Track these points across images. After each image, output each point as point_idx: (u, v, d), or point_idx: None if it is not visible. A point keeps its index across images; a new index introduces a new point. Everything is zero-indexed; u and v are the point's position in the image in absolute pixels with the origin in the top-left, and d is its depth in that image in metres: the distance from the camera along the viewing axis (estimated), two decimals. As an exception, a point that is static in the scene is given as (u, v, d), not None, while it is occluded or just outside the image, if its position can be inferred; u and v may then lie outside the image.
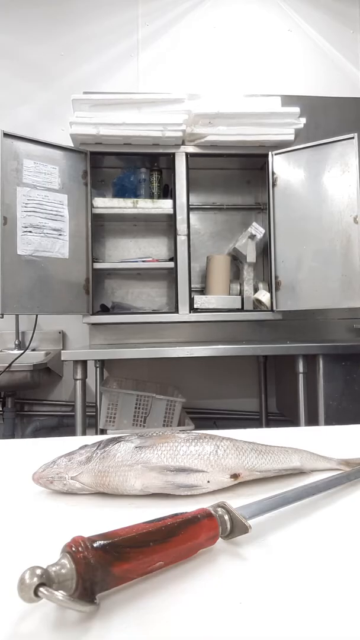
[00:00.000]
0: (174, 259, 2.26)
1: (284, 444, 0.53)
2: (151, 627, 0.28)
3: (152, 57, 2.70)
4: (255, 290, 2.35)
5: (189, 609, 0.29)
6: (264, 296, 2.26)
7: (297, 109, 2.17)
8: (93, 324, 2.38)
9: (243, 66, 2.72)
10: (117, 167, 2.45)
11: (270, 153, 2.20)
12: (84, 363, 1.92)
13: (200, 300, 2.25)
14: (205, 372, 2.54)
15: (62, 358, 1.90)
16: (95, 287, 2.23)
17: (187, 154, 2.24)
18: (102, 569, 0.29)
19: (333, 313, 2.50)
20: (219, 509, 0.37)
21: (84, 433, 1.92)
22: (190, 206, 2.27)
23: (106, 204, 2.22)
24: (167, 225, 2.46)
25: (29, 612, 0.29)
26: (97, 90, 2.45)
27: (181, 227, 2.22)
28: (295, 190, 2.14)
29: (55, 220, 2.03)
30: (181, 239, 2.22)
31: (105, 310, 2.39)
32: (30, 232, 1.94)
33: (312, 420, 1.93)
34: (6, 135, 1.90)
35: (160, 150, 2.22)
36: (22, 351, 2.27)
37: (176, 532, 0.33)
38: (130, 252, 2.54)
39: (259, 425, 2.55)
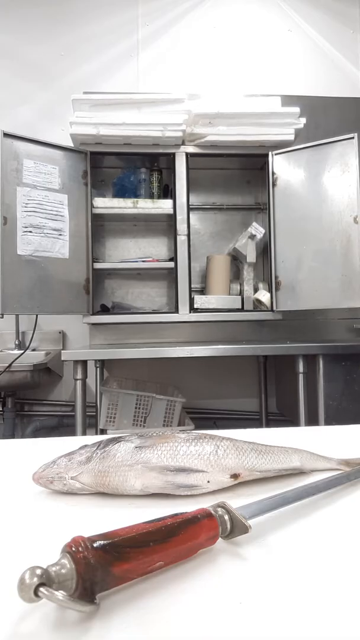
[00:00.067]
0: (174, 259, 2.26)
1: (284, 444, 0.53)
2: (151, 627, 0.28)
3: (152, 57, 2.70)
4: (255, 290, 2.35)
5: (189, 609, 0.29)
6: (264, 296, 2.26)
7: (297, 109, 2.17)
8: (93, 324, 2.38)
9: (243, 66, 2.72)
10: (117, 167, 2.45)
11: (270, 153, 2.20)
12: (84, 363, 1.92)
13: (200, 300, 2.25)
14: (205, 372, 2.54)
15: (62, 358, 1.90)
16: (95, 287, 2.23)
17: (187, 154, 2.24)
18: (102, 569, 0.29)
19: (333, 313, 2.50)
20: (219, 509, 0.37)
21: (84, 433, 1.92)
22: (190, 206, 2.27)
23: (106, 204, 2.22)
24: (167, 225, 2.46)
25: (29, 612, 0.29)
26: (97, 90, 2.45)
27: (181, 227, 2.22)
28: (295, 190, 2.14)
29: (56, 220, 2.03)
30: (181, 239, 2.22)
31: (105, 310, 2.39)
32: (30, 232, 1.94)
33: (312, 420, 1.93)
34: (6, 135, 1.90)
35: (160, 150, 2.22)
36: (22, 351, 2.27)
37: (176, 532, 0.33)
38: (130, 252, 2.54)
39: (259, 425, 2.55)
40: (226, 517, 0.36)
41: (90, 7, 2.68)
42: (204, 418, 2.50)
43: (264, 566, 0.34)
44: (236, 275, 2.49)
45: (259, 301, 2.30)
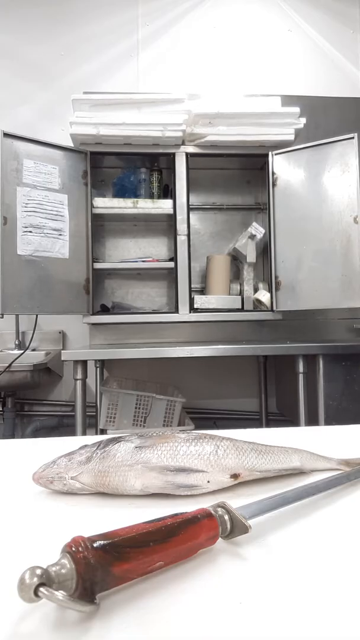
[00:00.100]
0: (174, 259, 2.26)
1: (284, 444, 0.53)
2: (151, 627, 0.28)
3: (152, 57, 2.70)
4: (255, 290, 2.35)
5: (189, 609, 0.29)
6: (264, 296, 2.26)
7: (297, 109, 2.17)
8: (93, 324, 2.38)
9: (243, 66, 2.72)
10: (117, 167, 2.45)
11: (270, 153, 2.20)
12: (84, 363, 1.92)
13: (200, 300, 2.25)
14: (205, 372, 2.54)
15: (62, 358, 1.90)
16: (95, 287, 2.23)
17: (187, 154, 2.24)
18: (102, 569, 0.29)
19: (333, 313, 2.50)
20: (219, 509, 0.37)
21: (84, 433, 1.92)
22: (190, 206, 2.27)
23: (106, 204, 2.22)
24: (167, 225, 2.46)
25: (29, 612, 0.29)
26: (97, 90, 2.45)
27: (181, 227, 2.22)
28: (295, 190, 2.14)
29: (56, 220, 2.03)
30: (181, 239, 2.22)
31: (105, 310, 2.39)
32: (30, 232, 1.94)
33: (312, 420, 1.93)
34: (6, 135, 1.90)
35: (160, 150, 2.22)
36: (22, 351, 2.27)
37: (176, 532, 0.33)
38: (130, 252, 2.54)
39: (259, 425, 2.55)
40: (226, 517, 0.36)
41: (90, 7, 2.68)
42: (204, 418, 2.50)
43: (264, 566, 0.34)
44: (236, 275, 2.49)
45: (259, 301, 2.30)
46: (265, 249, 2.38)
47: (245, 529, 0.36)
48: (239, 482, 0.48)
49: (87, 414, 1.98)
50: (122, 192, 2.38)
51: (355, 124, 2.50)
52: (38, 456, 0.53)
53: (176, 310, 2.21)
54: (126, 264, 2.39)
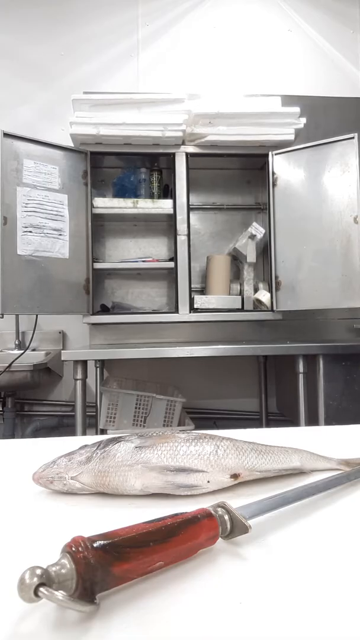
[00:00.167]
0: (174, 259, 2.26)
1: (284, 444, 0.53)
2: (151, 627, 0.28)
3: (152, 57, 2.70)
4: (256, 290, 2.35)
5: (189, 609, 0.29)
6: (264, 296, 2.26)
7: (297, 109, 2.17)
8: (93, 324, 2.38)
9: (243, 66, 2.72)
10: (117, 167, 2.45)
11: (270, 153, 2.20)
12: (84, 363, 1.92)
13: (200, 300, 2.25)
14: (205, 372, 2.54)
15: (62, 358, 1.90)
16: (95, 287, 2.23)
17: (187, 154, 2.24)
18: (102, 569, 0.29)
19: (333, 313, 2.50)
20: (219, 509, 0.37)
21: (84, 433, 1.93)
22: (191, 206, 2.27)
23: (106, 204, 2.22)
24: (167, 225, 2.46)
25: (29, 612, 0.29)
26: (97, 90, 2.45)
27: (181, 227, 2.22)
28: (295, 190, 2.14)
29: (56, 220, 2.03)
30: (181, 239, 2.22)
31: (105, 310, 2.39)
32: (30, 232, 1.94)
33: (312, 420, 1.93)
34: (6, 135, 1.90)
35: (160, 150, 2.22)
36: (22, 351, 2.27)
37: (176, 532, 0.33)
38: (130, 252, 2.54)
39: (259, 425, 2.55)
40: (226, 517, 0.36)
41: (90, 7, 2.68)
42: (204, 418, 2.50)
43: (264, 566, 0.34)
44: (236, 275, 2.49)
45: (259, 301, 2.30)
46: (265, 249, 2.38)
47: (245, 529, 0.36)
48: (239, 482, 0.48)
49: (87, 414, 1.98)
50: (122, 192, 2.38)
51: (355, 124, 2.50)
52: (38, 456, 0.53)
53: (176, 310, 2.21)
54: (126, 264, 2.39)
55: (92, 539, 0.30)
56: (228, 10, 2.76)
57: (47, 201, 2.00)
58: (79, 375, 1.90)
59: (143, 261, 2.39)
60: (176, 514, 0.35)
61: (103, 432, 2.03)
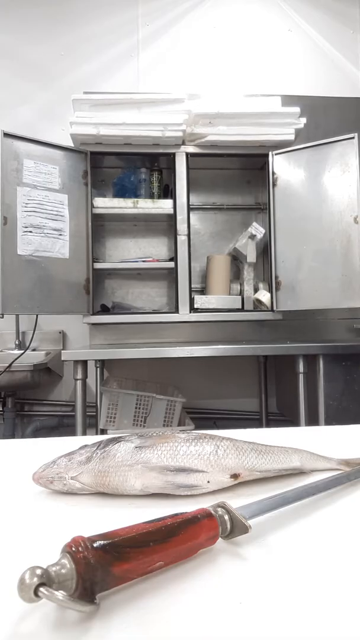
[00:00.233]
0: (174, 259, 2.26)
1: (284, 444, 0.53)
2: (151, 627, 0.28)
3: (152, 57, 2.70)
4: (256, 290, 2.35)
5: (189, 609, 0.29)
6: (264, 296, 2.26)
7: (297, 109, 2.17)
8: (93, 324, 2.38)
9: (243, 66, 2.72)
10: (117, 167, 2.45)
11: (270, 153, 2.20)
12: (84, 363, 1.92)
13: (200, 300, 2.25)
14: (206, 372, 2.54)
15: (63, 358, 1.90)
16: (96, 287, 2.23)
17: (187, 154, 2.24)
18: (102, 569, 0.29)
19: (333, 313, 2.50)
20: (219, 509, 0.37)
21: (84, 433, 1.93)
22: (191, 206, 2.27)
23: (106, 204, 2.22)
24: (167, 225, 2.46)
25: (29, 612, 0.29)
26: (97, 90, 2.45)
27: (181, 227, 2.22)
28: (296, 190, 2.14)
29: (56, 220, 2.03)
30: (181, 239, 2.22)
31: (105, 310, 2.39)
32: (30, 232, 1.94)
33: (312, 420, 1.93)
34: (6, 135, 1.90)
35: (161, 150, 2.22)
36: (22, 351, 2.27)
37: (176, 532, 0.33)
38: (130, 252, 2.54)
39: (259, 425, 2.55)
40: (226, 517, 0.36)
41: (90, 7, 2.68)
42: (204, 418, 2.50)
43: (264, 566, 0.34)
44: (236, 275, 2.49)
45: (259, 301, 2.30)
46: (265, 249, 2.38)
47: (245, 529, 0.36)
48: (239, 482, 0.48)
49: (87, 414, 1.98)
50: (122, 192, 2.38)
51: (355, 124, 2.50)
52: (38, 456, 0.53)
53: (176, 310, 2.21)
54: (126, 264, 2.39)
55: (92, 539, 0.30)
56: (228, 10, 2.76)
57: (47, 201, 2.00)
58: (79, 375, 1.90)
59: (143, 261, 2.39)
60: (176, 514, 0.35)
61: (103, 432, 2.03)
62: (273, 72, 2.73)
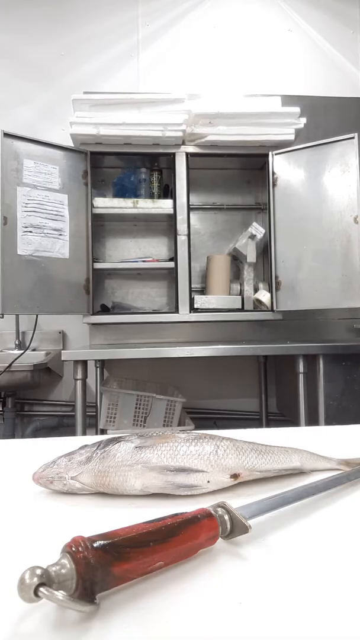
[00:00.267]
0: (174, 259, 2.26)
1: (284, 444, 0.53)
2: (151, 627, 0.28)
3: (152, 57, 2.70)
4: (256, 290, 2.35)
5: (189, 609, 0.29)
6: (264, 296, 2.26)
7: (297, 109, 2.17)
8: (93, 324, 2.38)
9: (243, 66, 2.72)
10: (117, 167, 2.45)
11: (270, 153, 2.20)
12: (84, 363, 1.92)
13: (200, 300, 2.25)
14: (205, 372, 2.54)
15: (63, 358, 1.90)
16: (96, 287, 2.23)
17: (187, 154, 2.24)
18: (102, 569, 0.29)
19: (333, 313, 2.50)
20: (219, 509, 0.37)
21: (84, 433, 1.93)
22: (191, 206, 2.27)
23: (106, 204, 2.22)
24: (167, 225, 2.46)
25: (29, 612, 0.29)
26: (97, 90, 2.45)
27: (181, 227, 2.22)
28: (296, 190, 2.14)
29: (56, 220, 2.03)
30: (181, 239, 2.22)
31: (105, 310, 2.39)
32: (30, 232, 1.94)
33: (312, 420, 1.93)
34: (6, 135, 1.90)
35: (161, 150, 2.22)
36: (22, 351, 2.27)
37: (176, 532, 0.33)
38: (130, 252, 2.54)
39: (259, 425, 2.55)
40: (226, 517, 0.36)
41: (90, 7, 2.68)
42: (204, 418, 2.50)
43: (264, 566, 0.34)
44: (236, 275, 2.49)
45: (259, 301, 2.30)
46: (265, 249, 2.38)
47: (245, 529, 0.36)
48: (239, 482, 0.48)
49: (87, 414, 1.98)
50: (122, 192, 2.38)
51: (355, 124, 2.50)
52: (38, 456, 0.53)
53: (176, 310, 2.21)
54: (126, 264, 2.39)
55: (92, 539, 0.30)
56: (228, 10, 2.76)
57: (47, 201, 2.00)
58: (79, 375, 1.90)
59: (143, 261, 2.39)
60: (176, 514, 0.35)
61: (103, 432, 2.03)
62: (273, 72, 2.73)
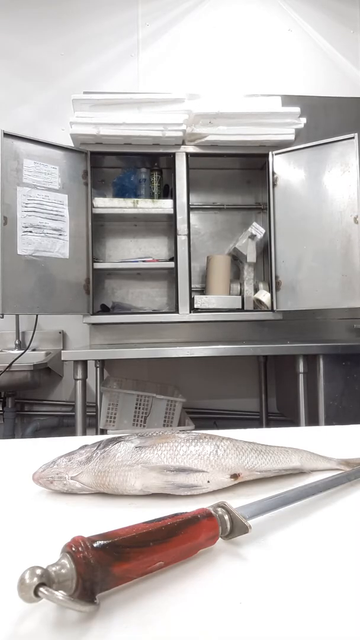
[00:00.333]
0: (174, 259, 2.26)
1: (284, 444, 0.53)
2: (151, 627, 0.28)
3: (152, 57, 2.70)
4: (256, 290, 2.35)
5: (189, 609, 0.29)
6: (264, 296, 2.26)
7: (297, 109, 2.17)
8: (93, 324, 2.38)
9: (243, 66, 2.72)
10: (117, 167, 2.45)
11: (270, 153, 2.20)
12: (84, 363, 1.92)
13: (200, 300, 2.25)
14: (206, 372, 2.54)
15: (63, 358, 1.90)
16: (96, 287, 2.23)
17: (187, 154, 2.24)
18: (102, 569, 0.29)
19: (333, 313, 2.50)
20: (219, 509, 0.37)
21: (84, 433, 1.92)
22: (191, 206, 2.27)
23: (106, 204, 2.22)
24: (167, 225, 2.46)
25: (29, 612, 0.29)
26: (98, 90, 2.45)
27: (181, 227, 2.22)
28: (296, 190, 2.14)
29: (56, 220, 2.03)
30: (181, 239, 2.22)
31: (105, 310, 2.39)
32: (30, 232, 1.94)
33: (312, 420, 1.93)
34: (6, 135, 1.90)
35: (161, 150, 2.22)
36: (22, 351, 2.27)
37: (176, 532, 0.33)
38: (130, 252, 2.54)
39: (259, 425, 2.55)
40: (226, 517, 0.36)
41: (90, 7, 2.68)
42: (204, 418, 2.50)
43: (264, 566, 0.34)
44: (236, 275, 2.49)
45: (259, 301, 2.30)
46: (265, 249, 2.38)
47: (245, 529, 0.36)
48: (239, 482, 0.48)
49: (87, 414, 1.98)
50: (122, 192, 2.38)
51: (355, 124, 2.50)
52: (38, 456, 0.53)
53: (176, 310, 2.21)
54: (126, 264, 2.39)
55: (92, 539, 0.30)
56: (228, 10, 2.76)
57: (47, 201, 2.00)
58: (79, 375, 1.90)
59: (143, 261, 2.39)
60: (176, 514, 0.35)
61: (103, 432, 2.03)
62: (273, 72, 2.73)
